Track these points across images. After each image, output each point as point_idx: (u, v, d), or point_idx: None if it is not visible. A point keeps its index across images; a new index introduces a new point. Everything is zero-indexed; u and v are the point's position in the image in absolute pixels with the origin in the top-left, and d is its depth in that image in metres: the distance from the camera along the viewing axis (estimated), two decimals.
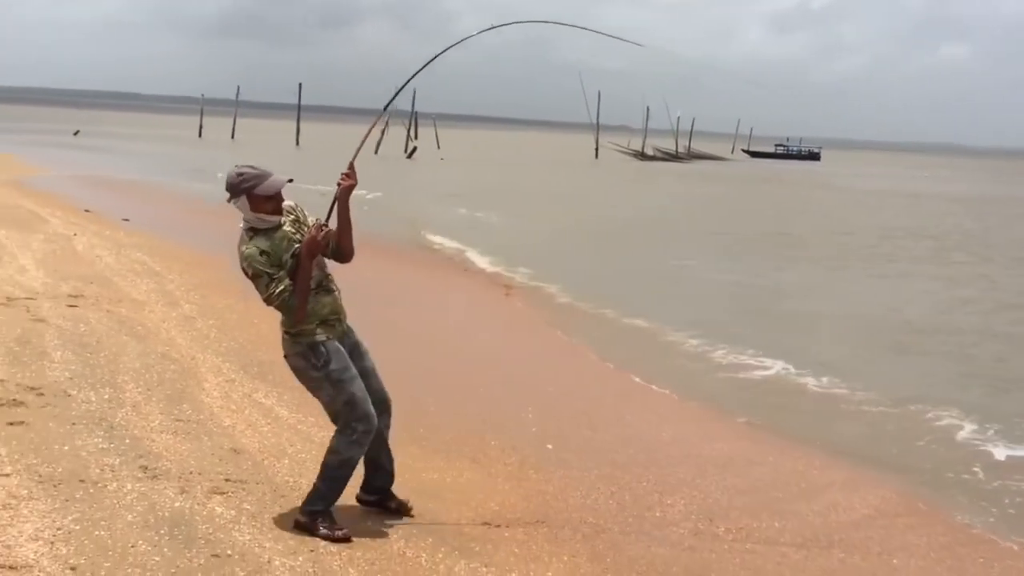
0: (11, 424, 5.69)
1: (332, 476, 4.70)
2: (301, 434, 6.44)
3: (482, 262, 17.91)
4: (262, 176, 4.51)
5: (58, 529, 4.34)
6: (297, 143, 70.19)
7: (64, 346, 7.82)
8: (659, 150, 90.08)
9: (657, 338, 11.75)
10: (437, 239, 20.95)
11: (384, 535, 4.82)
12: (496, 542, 4.98)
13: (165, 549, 4.29)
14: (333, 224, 4.69)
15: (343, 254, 4.75)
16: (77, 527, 4.39)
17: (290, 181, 4.56)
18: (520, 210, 28.59)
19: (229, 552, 4.36)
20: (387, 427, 5.02)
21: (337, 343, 4.68)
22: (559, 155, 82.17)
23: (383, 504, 5.07)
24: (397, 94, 5.38)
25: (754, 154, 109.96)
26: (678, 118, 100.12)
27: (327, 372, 4.61)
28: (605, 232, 24.58)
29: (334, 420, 4.77)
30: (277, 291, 4.47)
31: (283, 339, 4.71)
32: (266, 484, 5.34)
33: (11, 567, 3.94)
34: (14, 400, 6.17)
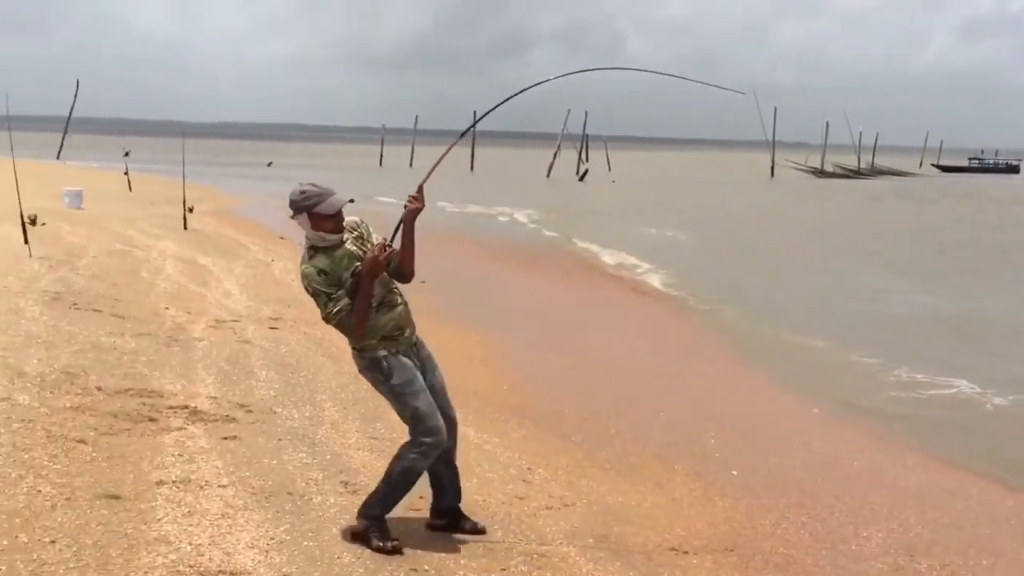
0: (225, 439, 6.13)
1: (393, 481, 4.71)
2: (487, 454, 6.61)
3: (655, 282, 17.82)
4: (324, 195, 4.54)
5: (271, 539, 4.63)
6: (471, 168, 72.00)
7: (268, 366, 8.34)
8: (839, 166, 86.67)
9: (837, 359, 11.34)
10: (609, 259, 21.00)
11: (571, 557, 4.86)
12: (684, 568, 4.94)
13: (368, 562, 4.50)
14: (397, 244, 4.68)
15: (403, 274, 4.74)
16: (288, 537, 4.67)
17: (351, 201, 4.61)
18: (693, 230, 28.22)
19: (426, 567, 4.52)
20: (453, 445, 4.94)
21: (402, 357, 4.68)
22: (732, 174, 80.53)
23: (455, 527, 4.96)
24: (469, 128, 5.47)
25: (945, 168, 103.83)
26: (860, 133, 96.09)
27: (390, 386, 4.66)
28: (782, 251, 23.91)
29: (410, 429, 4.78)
30: (335, 311, 4.50)
31: (352, 355, 4.78)
32: None
33: (231, 573, 4.24)
34: (227, 416, 6.63)
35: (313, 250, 4.58)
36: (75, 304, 9.78)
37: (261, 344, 9.20)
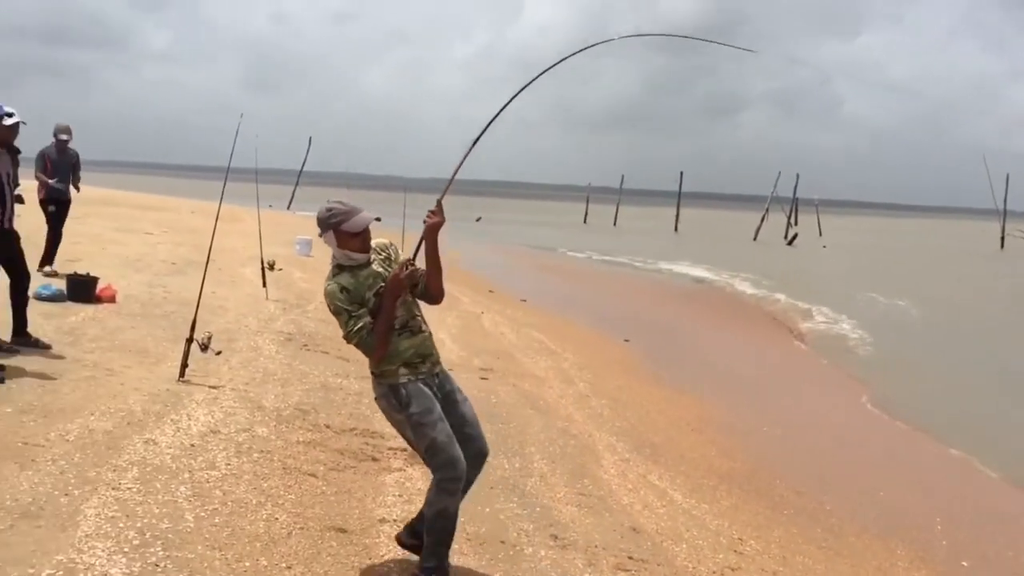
0: None
1: (433, 529, 4.50)
2: (696, 520, 6.49)
3: (868, 352, 17.00)
4: (350, 212, 4.45)
5: None
6: (676, 228, 71.52)
7: (479, 415, 8.54)
8: None
9: None
10: (821, 326, 20.20)
11: None
12: None
13: None
14: (421, 264, 4.57)
15: (431, 295, 4.63)
16: None
17: (377, 220, 4.49)
18: (910, 301, 26.67)
19: None
20: (472, 479, 4.70)
21: (422, 386, 4.52)
22: (956, 243, 75.65)
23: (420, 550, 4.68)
24: (480, 134, 4.79)
25: None
26: None
27: (408, 415, 4.47)
28: (1007, 328, 22.16)
29: (425, 463, 4.58)
30: (355, 328, 4.38)
31: (372, 382, 4.63)
32: (666, 567, 5.44)
33: None
34: None
35: (339, 268, 4.51)
36: (305, 345, 10.46)
37: (472, 393, 9.38)
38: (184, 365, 7.91)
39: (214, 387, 7.77)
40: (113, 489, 5.14)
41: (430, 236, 4.48)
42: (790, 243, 60.80)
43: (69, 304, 10.48)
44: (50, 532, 4.46)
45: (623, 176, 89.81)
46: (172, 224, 26.30)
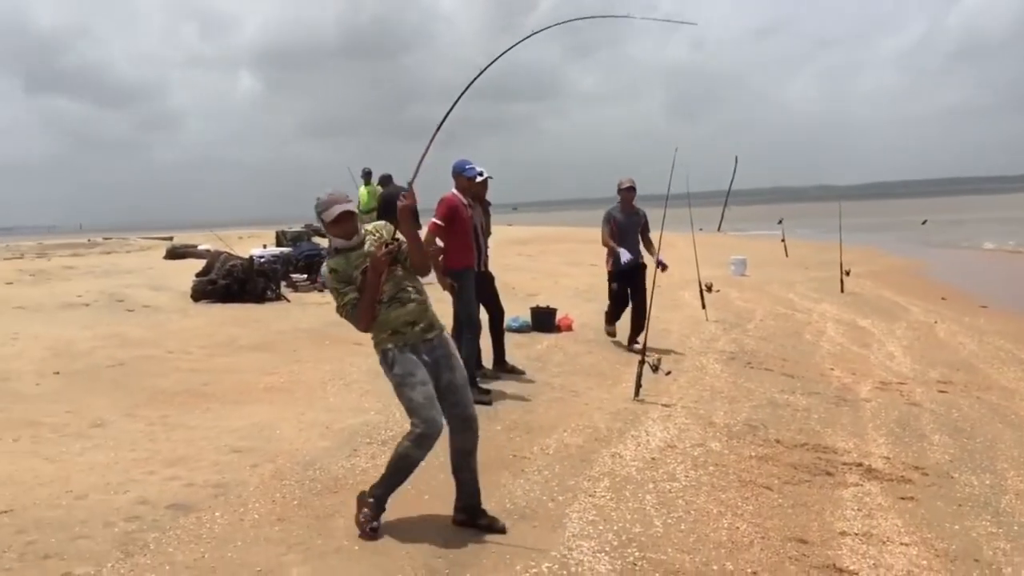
0: (902, 499, 6.16)
1: (392, 467, 4.95)
2: None
3: None
4: (328, 203, 4.90)
5: None
6: None
7: (939, 430, 8.13)
8: None
9: None
10: None
11: None
12: None
13: None
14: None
15: (416, 268, 5.02)
16: None
17: (354, 211, 4.91)
18: None
19: None
20: (473, 446, 5.08)
21: (409, 352, 4.89)
22: None
23: (474, 522, 5.10)
24: (456, 101, 5.01)
25: None
26: None
27: (392, 375, 4.90)
28: None
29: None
30: (342, 303, 4.92)
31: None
32: None
33: None
34: (902, 477, 6.66)
35: (335, 251, 5.02)
36: (749, 363, 10.65)
37: (931, 407, 8.99)
38: (638, 385, 8.53)
39: (667, 405, 8.28)
40: (589, 496, 5.76)
41: (402, 217, 4.86)
42: None
43: (534, 334, 11.75)
44: (543, 532, 5.15)
45: None
46: None
